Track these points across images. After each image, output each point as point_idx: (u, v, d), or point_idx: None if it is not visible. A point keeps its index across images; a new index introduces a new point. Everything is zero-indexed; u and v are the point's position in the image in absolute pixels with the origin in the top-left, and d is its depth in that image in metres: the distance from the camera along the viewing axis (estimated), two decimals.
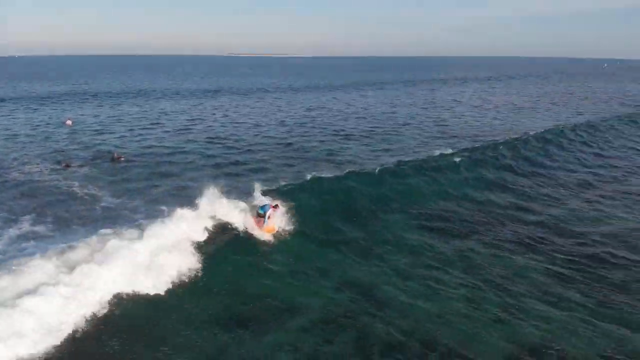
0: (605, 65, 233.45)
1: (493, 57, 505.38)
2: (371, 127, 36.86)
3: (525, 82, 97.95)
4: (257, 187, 17.19)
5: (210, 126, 37.20)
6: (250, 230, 14.96)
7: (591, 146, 29.13)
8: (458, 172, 21.54)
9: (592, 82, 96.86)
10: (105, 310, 10.43)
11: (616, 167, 25.39)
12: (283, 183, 19.47)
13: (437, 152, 25.60)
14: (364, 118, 42.56)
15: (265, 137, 32.94)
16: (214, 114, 45.07)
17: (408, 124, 39.28)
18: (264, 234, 15.10)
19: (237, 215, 15.26)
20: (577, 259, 14.13)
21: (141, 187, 20.44)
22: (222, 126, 37.37)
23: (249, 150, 28.41)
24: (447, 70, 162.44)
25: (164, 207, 17.66)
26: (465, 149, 26.50)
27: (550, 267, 13.63)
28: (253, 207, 15.67)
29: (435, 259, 13.98)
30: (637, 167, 25.24)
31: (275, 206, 15.65)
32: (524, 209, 18.31)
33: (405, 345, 10.02)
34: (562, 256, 14.31)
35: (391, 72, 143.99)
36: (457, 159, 22.96)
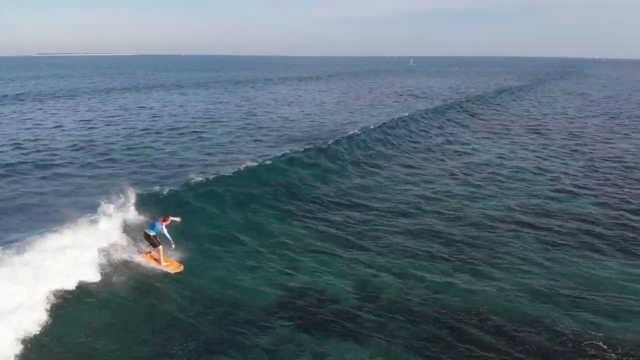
0: (412, 62, 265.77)
1: (318, 57, 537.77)
2: (185, 125, 37.47)
3: (338, 80, 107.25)
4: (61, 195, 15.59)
5: (3, 132, 33.85)
6: (145, 264, 12.90)
7: (383, 141, 32.44)
8: (275, 168, 22.68)
9: (397, 77, 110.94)
10: None
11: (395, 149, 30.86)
12: (90, 190, 19.48)
13: (248, 149, 27.34)
14: (176, 115, 43.29)
15: (69, 138, 31.88)
16: (10, 117, 41.21)
17: (223, 120, 40.89)
18: (170, 269, 12.62)
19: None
20: (345, 220, 17.68)
21: None
22: (18, 130, 34.40)
23: (50, 153, 27.06)
24: (273, 69, 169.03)
25: None
26: (276, 147, 29.33)
27: (320, 228, 16.88)
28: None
29: (244, 237, 15.74)
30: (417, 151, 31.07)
31: (166, 219, 12.64)
32: (320, 190, 21.43)
33: (196, 303, 11.89)
34: (333, 219, 17.78)
35: (222, 71, 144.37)
36: (279, 154, 24.90)
